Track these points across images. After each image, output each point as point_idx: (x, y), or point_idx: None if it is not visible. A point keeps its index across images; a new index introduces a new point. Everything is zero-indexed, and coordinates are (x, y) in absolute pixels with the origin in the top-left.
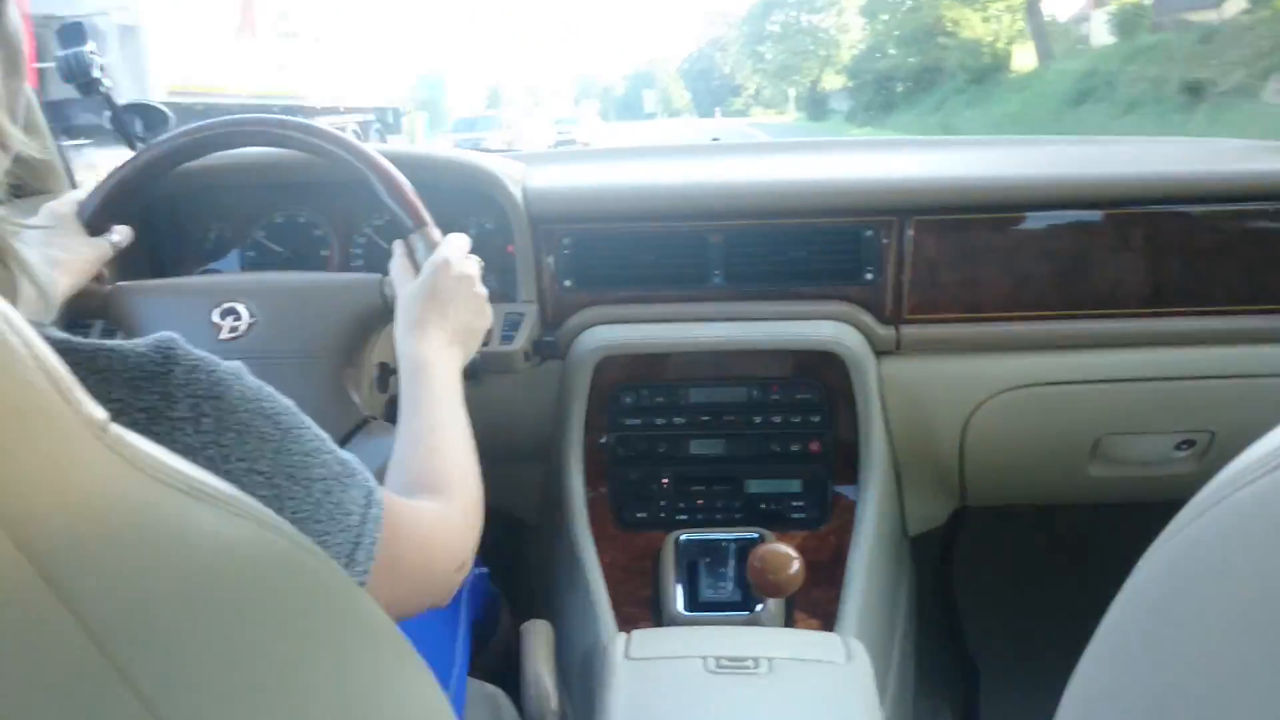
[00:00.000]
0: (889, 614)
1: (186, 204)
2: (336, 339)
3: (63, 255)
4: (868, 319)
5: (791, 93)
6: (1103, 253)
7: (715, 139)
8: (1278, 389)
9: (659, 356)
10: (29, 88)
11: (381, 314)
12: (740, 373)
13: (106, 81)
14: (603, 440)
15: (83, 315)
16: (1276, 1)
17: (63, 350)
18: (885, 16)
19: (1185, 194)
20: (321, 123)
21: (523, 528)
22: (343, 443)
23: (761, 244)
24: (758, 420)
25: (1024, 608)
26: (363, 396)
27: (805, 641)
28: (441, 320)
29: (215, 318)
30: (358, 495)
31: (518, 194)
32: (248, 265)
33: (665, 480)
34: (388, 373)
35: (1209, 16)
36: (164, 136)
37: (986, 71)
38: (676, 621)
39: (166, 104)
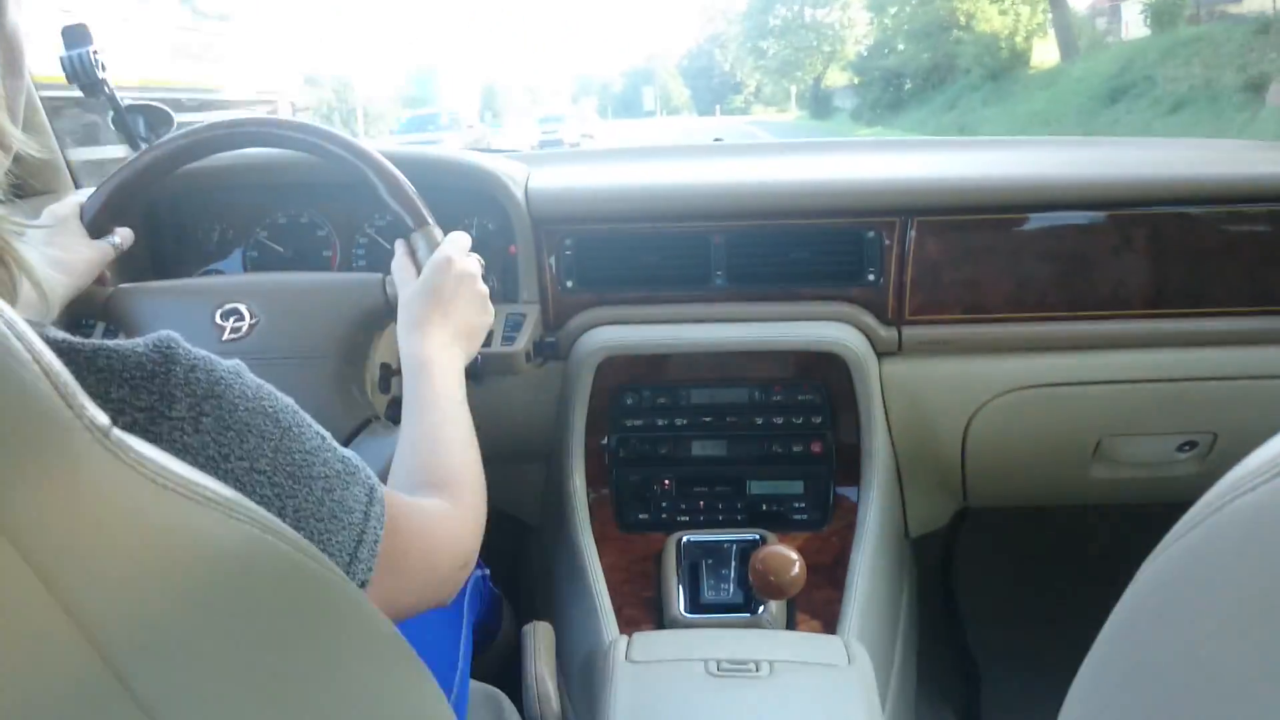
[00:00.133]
0: (891, 616)
1: (188, 205)
2: (339, 339)
3: (64, 256)
4: (870, 320)
5: (793, 90)
6: (1105, 254)
7: (718, 139)
8: None
9: (661, 357)
10: (31, 86)
11: (384, 313)
12: (742, 374)
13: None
14: (604, 441)
15: (84, 317)
16: None
17: (62, 350)
18: (894, 10)
19: (1188, 195)
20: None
21: (524, 529)
22: (346, 442)
23: (763, 245)
24: (759, 421)
25: (1026, 609)
26: (365, 396)
27: (806, 644)
28: (443, 318)
29: (217, 319)
30: (359, 493)
31: (520, 195)
32: (250, 266)
33: (667, 481)
34: (390, 374)
35: (1252, 8)
36: (165, 138)
37: (1004, 68)
38: (678, 623)
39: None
